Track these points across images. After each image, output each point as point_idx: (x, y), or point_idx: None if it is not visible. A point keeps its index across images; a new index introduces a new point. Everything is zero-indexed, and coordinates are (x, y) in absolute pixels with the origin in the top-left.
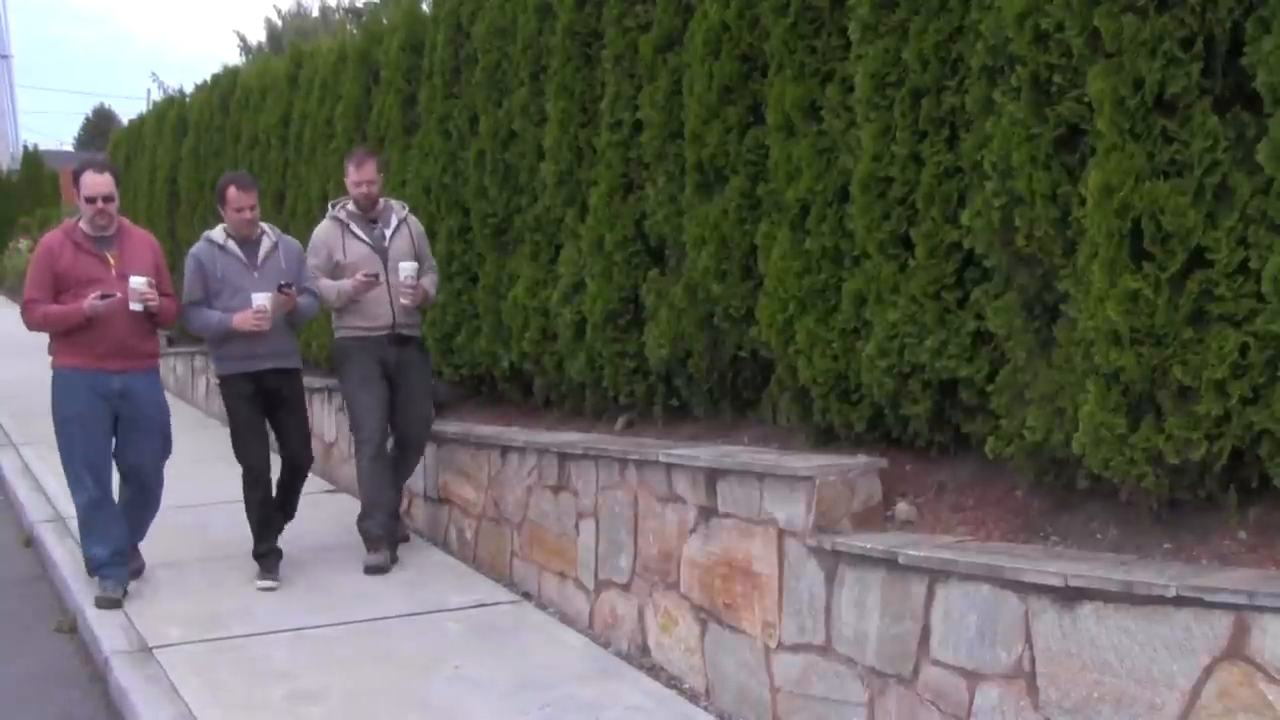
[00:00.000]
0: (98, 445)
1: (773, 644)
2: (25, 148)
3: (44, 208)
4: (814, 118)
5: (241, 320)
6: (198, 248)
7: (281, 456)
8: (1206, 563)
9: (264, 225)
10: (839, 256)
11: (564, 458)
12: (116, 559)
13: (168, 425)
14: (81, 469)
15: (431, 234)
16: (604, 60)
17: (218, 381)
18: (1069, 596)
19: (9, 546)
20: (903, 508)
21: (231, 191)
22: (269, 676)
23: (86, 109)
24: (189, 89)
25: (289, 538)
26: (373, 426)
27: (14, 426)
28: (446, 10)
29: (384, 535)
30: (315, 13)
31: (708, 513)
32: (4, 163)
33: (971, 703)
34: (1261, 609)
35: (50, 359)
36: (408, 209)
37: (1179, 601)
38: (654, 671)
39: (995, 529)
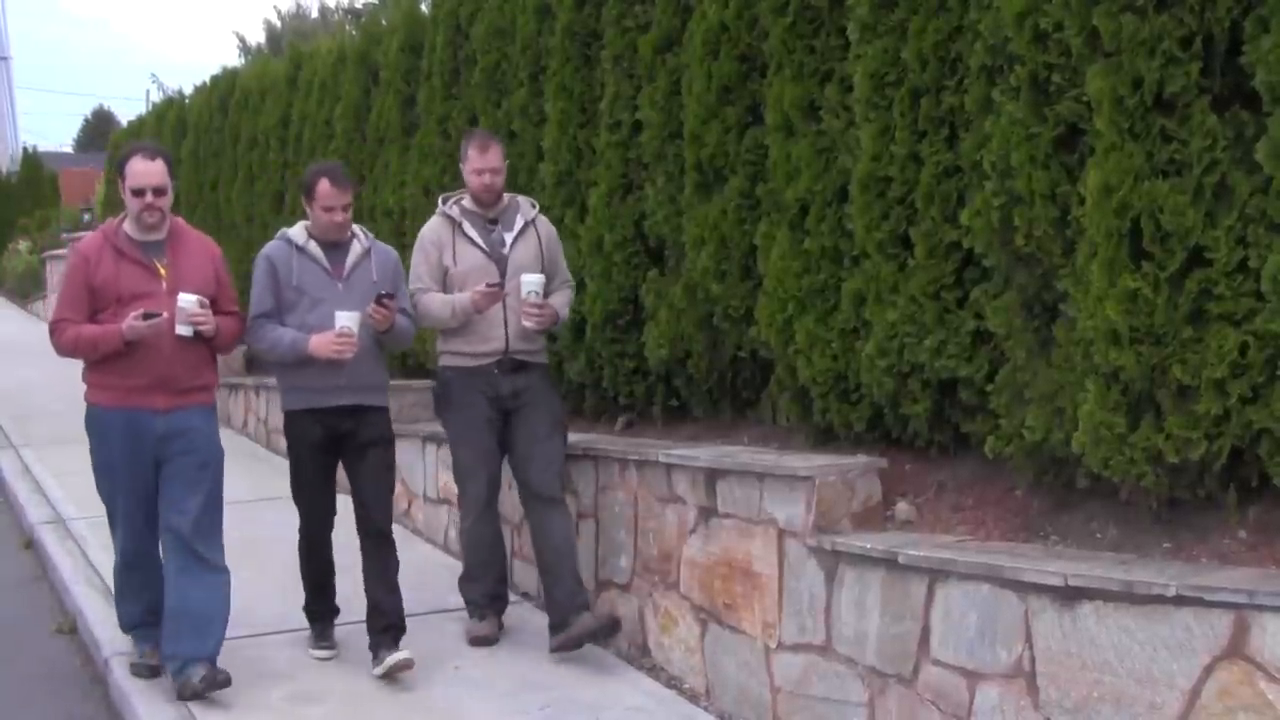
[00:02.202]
0: (140, 496)
1: (773, 644)
2: (24, 149)
3: (43, 209)
4: (813, 117)
5: (320, 344)
6: (271, 248)
7: (356, 517)
8: (1206, 562)
9: (355, 227)
10: (838, 256)
11: (565, 460)
12: (153, 618)
13: (220, 476)
14: (123, 521)
15: None
16: (603, 61)
17: (282, 416)
18: (1069, 596)
19: (9, 548)
20: (902, 507)
21: (324, 186)
22: (269, 677)
23: (86, 111)
24: (188, 90)
25: (287, 536)
26: (477, 489)
27: (14, 428)
28: (445, 11)
29: (490, 602)
30: (314, 14)
31: (707, 513)
32: (3, 164)
33: (972, 702)
34: (1261, 608)
35: (84, 392)
36: (538, 208)
37: (1179, 601)
38: (654, 672)
39: (995, 528)
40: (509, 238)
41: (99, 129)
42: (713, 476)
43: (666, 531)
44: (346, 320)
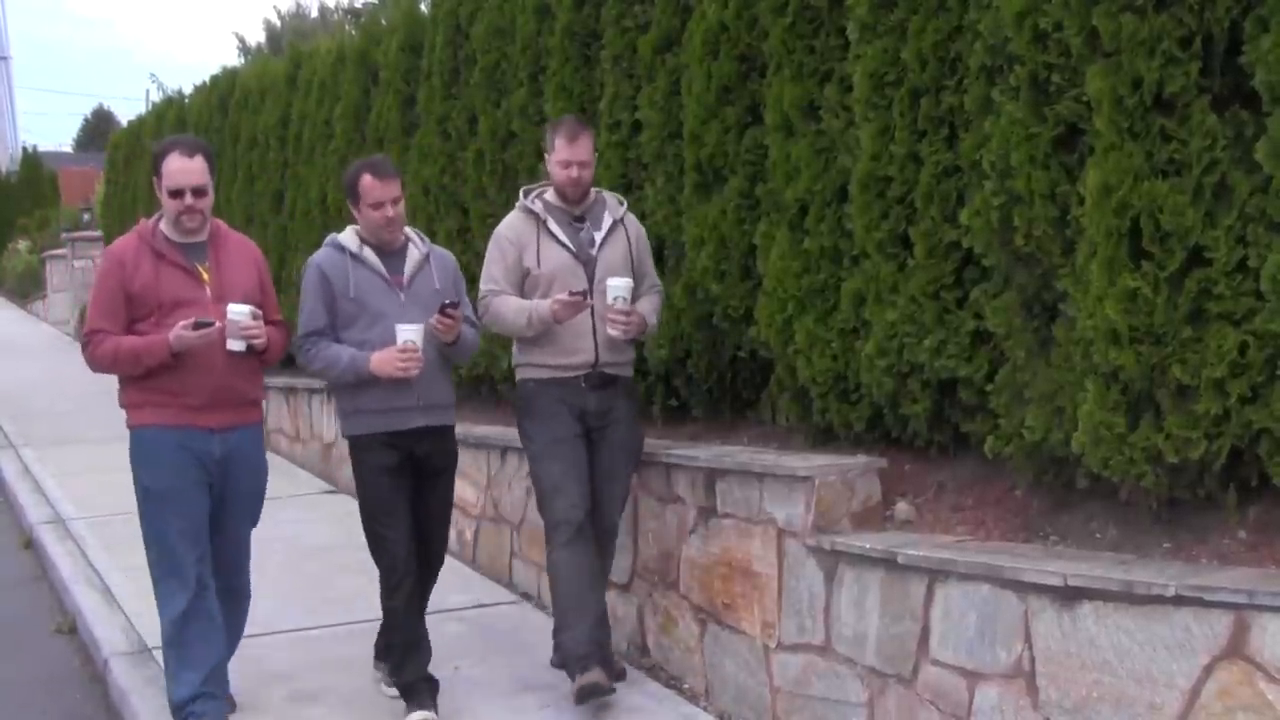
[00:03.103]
0: (197, 530)
1: (772, 644)
2: (24, 149)
3: (42, 209)
4: (812, 117)
5: (383, 362)
6: (323, 257)
7: (418, 553)
8: (1206, 562)
9: (409, 230)
10: (838, 256)
11: None
12: (212, 684)
13: (262, 500)
14: (178, 564)
15: (430, 235)
16: (603, 61)
17: (347, 444)
18: (1068, 596)
19: (8, 548)
20: (902, 507)
21: (367, 181)
22: (269, 677)
23: (86, 110)
24: (188, 90)
25: (286, 535)
26: (568, 504)
27: (14, 429)
28: (445, 11)
29: (592, 652)
30: (314, 14)
31: (707, 513)
32: (3, 164)
33: (971, 702)
34: (1261, 608)
35: (124, 415)
36: (625, 205)
37: (1178, 601)
38: (654, 671)
39: (995, 528)
40: (598, 237)
41: (99, 129)
42: (712, 476)
43: (666, 531)
44: (410, 334)
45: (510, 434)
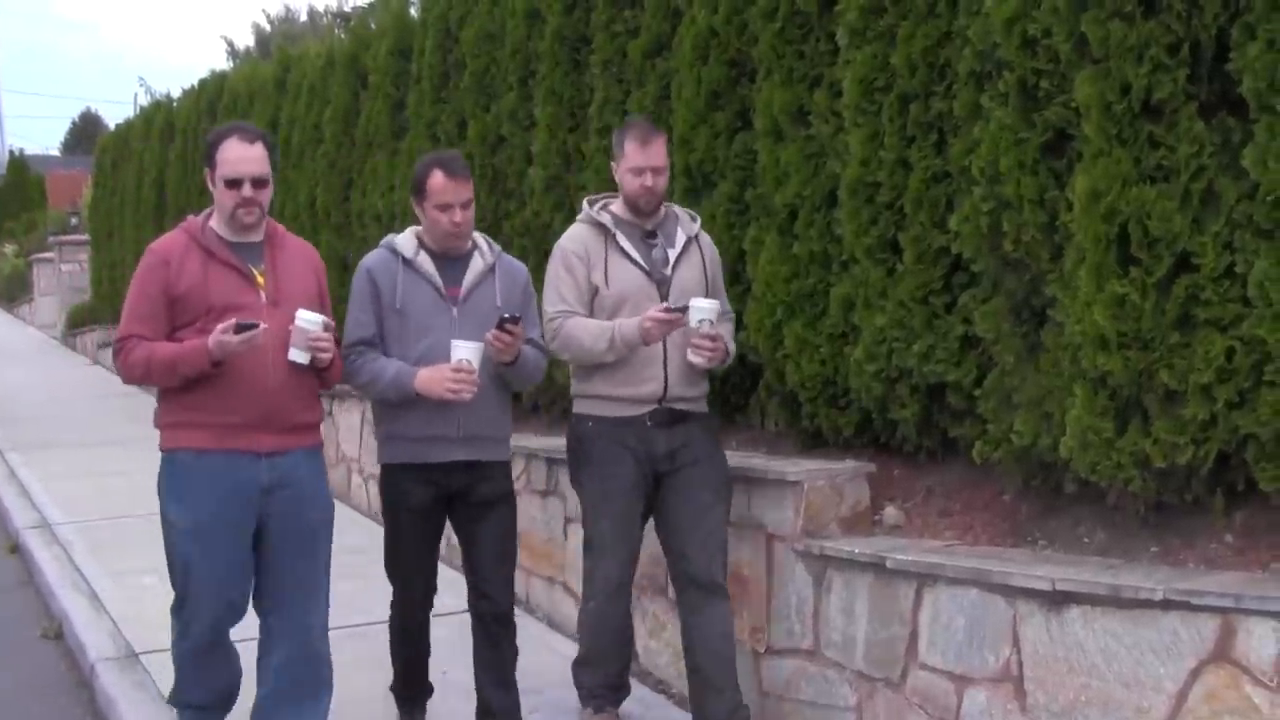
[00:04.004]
0: (231, 574)
1: (761, 648)
2: (11, 153)
3: (30, 212)
4: (802, 123)
5: (431, 381)
6: (373, 260)
7: (470, 594)
8: (1193, 566)
9: (478, 236)
10: (827, 261)
11: (552, 462)
12: (223, 702)
13: (328, 537)
14: (196, 608)
15: None
16: (592, 65)
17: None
18: (1056, 600)
19: None
20: (891, 512)
21: (437, 179)
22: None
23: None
24: (176, 94)
25: None
26: (612, 570)
27: (0, 433)
28: (435, 15)
29: (610, 693)
30: (303, 17)
31: None
32: None
33: (960, 706)
34: (1248, 612)
35: (158, 436)
36: (699, 221)
37: (1166, 605)
38: (642, 676)
39: (983, 533)
40: (673, 255)
41: (86, 132)
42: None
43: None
44: (466, 351)
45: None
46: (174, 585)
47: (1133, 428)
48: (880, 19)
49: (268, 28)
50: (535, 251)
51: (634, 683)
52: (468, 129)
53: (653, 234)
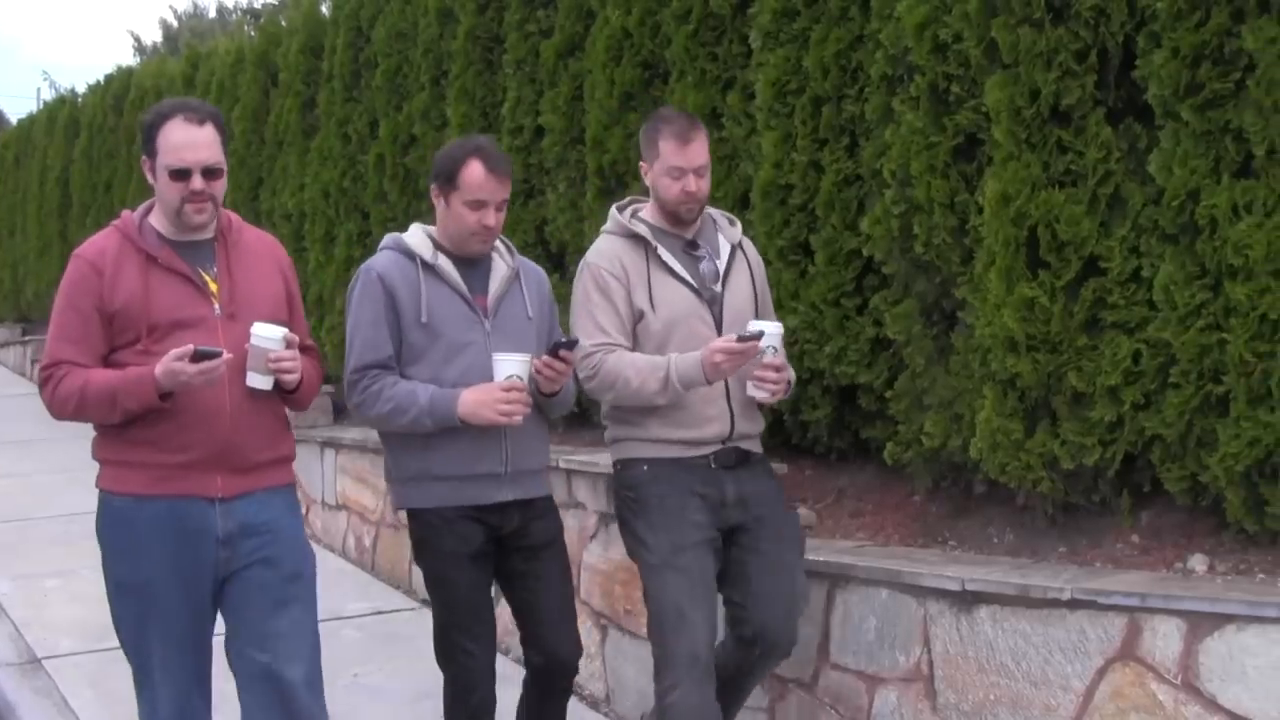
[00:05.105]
0: (192, 638)
1: None
2: None
3: None
4: (715, 125)
5: (481, 404)
6: (384, 264)
7: (530, 652)
8: (1100, 566)
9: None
10: None
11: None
12: None
13: (314, 588)
14: (159, 682)
15: (330, 239)
16: (505, 65)
17: (408, 522)
18: (966, 600)
19: None
20: (803, 513)
21: (475, 171)
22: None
23: None
24: (81, 90)
25: None
26: (692, 643)
27: None
28: (346, 13)
29: None
30: (212, 13)
31: (608, 519)
32: None
33: (871, 706)
34: (1153, 611)
35: (96, 474)
36: (739, 225)
37: (1074, 604)
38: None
39: (894, 534)
40: (721, 266)
41: None
42: (612, 482)
43: (567, 538)
44: (514, 366)
45: None
46: (127, 656)
47: (1041, 429)
48: (793, 22)
49: (175, 24)
50: None
51: None
52: (379, 128)
53: (694, 244)
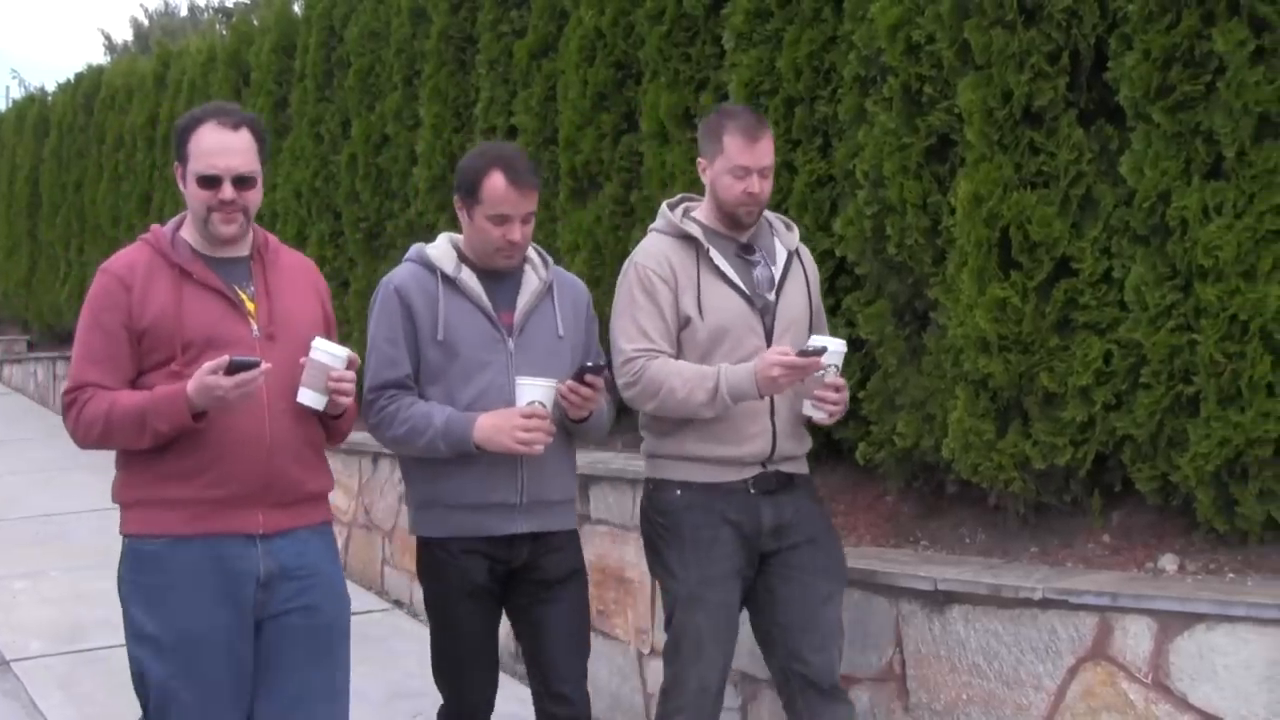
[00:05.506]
0: (228, 695)
1: (646, 650)
2: None
3: None
4: (688, 125)
5: (498, 428)
6: (404, 277)
7: (538, 696)
8: (1071, 566)
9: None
10: None
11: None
12: None
13: (348, 641)
14: None
15: (301, 239)
16: (478, 65)
17: (417, 547)
18: (939, 600)
19: None
20: None
21: (496, 183)
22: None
23: None
24: (51, 88)
25: None
26: (706, 677)
27: None
28: (319, 12)
29: None
30: (184, 12)
31: (581, 519)
32: None
33: None
34: (1124, 610)
35: (120, 518)
36: (797, 231)
37: (1045, 604)
38: (526, 678)
39: (866, 534)
40: (777, 273)
41: None
42: (586, 482)
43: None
44: (537, 391)
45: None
46: (145, 714)
47: (1013, 430)
48: (766, 23)
49: (146, 22)
50: None
51: (518, 684)
52: (351, 128)
53: (749, 248)
